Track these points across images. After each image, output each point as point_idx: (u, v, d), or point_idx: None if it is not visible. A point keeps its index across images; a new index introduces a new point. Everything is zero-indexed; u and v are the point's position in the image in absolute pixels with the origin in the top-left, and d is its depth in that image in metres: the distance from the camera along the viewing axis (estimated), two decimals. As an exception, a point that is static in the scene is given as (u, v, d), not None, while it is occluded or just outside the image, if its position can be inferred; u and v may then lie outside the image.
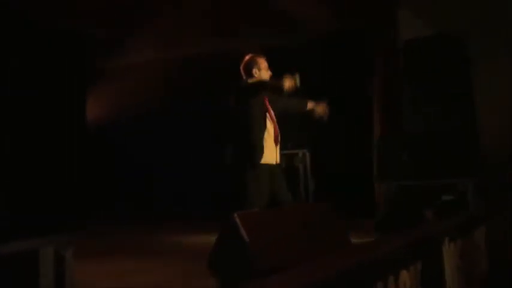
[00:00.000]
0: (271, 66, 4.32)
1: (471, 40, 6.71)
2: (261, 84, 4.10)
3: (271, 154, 4.07)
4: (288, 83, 3.97)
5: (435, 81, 6.59)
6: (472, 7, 7.13)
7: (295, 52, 7.59)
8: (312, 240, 3.06)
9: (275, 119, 4.19)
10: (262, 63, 4.24)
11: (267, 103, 4.20)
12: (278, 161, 4.15)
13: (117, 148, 9.00)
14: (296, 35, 7.52)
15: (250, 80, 4.17)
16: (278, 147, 4.15)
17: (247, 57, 4.26)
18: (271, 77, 4.23)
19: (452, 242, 4.23)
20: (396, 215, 5.92)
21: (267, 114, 4.14)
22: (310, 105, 4.36)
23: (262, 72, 4.20)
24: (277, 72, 4.37)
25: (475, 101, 6.62)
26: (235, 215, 2.76)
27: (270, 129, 4.12)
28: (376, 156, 6.98)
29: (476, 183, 6.18)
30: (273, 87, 4.08)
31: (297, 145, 7.81)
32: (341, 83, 7.75)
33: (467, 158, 6.29)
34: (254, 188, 3.89)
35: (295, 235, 3.00)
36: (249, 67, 4.21)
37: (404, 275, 3.08)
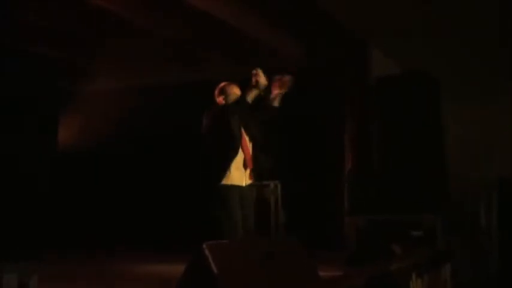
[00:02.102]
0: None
1: (442, 79, 6.88)
2: (233, 106, 4.28)
3: (239, 176, 4.25)
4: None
5: (405, 119, 6.71)
6: (442, 50, 7.34)
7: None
8: (281, 274, 3.05)
9: (248, 143, 4.36)
10: (231, 90, 4.42)
11: (242, 127, 4.35)
12: (248, 182, 4.32)
13: (85, 175, 8.91)
14: (266, 68, 7.61)
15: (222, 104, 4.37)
16: (248, 170, 4.32)
17: (221, 84, 4.45)
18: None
19: (420, 277, 4.28)
20: (365, 249, 5.95)
21: (241, 138, 4.31)
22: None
23: (231, 98, 4.37)
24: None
25: (444, 139, 6.76)
26: (204, 245, 2.75)
27: (241, 153, 4.28)
28: (346, 191, 7.04)
29: (444, 220, 6.27)
30: (246, 106, 4.23)
31: (269, 176, 7.83)
32: (313, 118, 7.84)
33: (435, 195, 6.40)
34: (223, 208, 4.12)
35: (265, 267, 2.99)
36: (219, 95, 4.42)
37: (371, 309, 3.09)
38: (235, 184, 4.21)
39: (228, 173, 4.18)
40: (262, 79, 4.25)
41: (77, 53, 7.93)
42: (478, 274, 6.78)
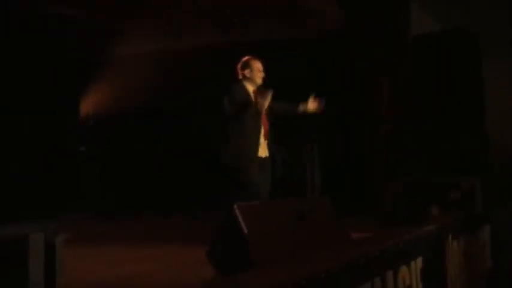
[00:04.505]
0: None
1: (482, 37, 6.63)
2: (247, 104, 4.59)
3: (262, 149, 4.62)
4: (263, 101, 4.52)
5: (445, 77, 6.52)
6: (483, 4, 7.05)
7: (305, 45, 7.55)
8: (311, 234, 3.05)
9: (265, 116, 4.68)
10: (255, 64, 4.73)
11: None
12: (267, 154, 4.67)
13: (116, 137, 9.06)
14: (305, 28, 7.48)
15: (240, 92, 4.64)
16: (266, 142, 4.68)
17: (244, 59, 4.78)
18: (264, 79, 4.73)
19: (456, 239, 4.22)
20: (402, 210, 5.89)
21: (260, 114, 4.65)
22: (301, 107, 4.78)
23: (254, 73, 4.70)
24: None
25: (484, 98, 6.55)
26: (235, 206, 2.77)
27: (261, 127, 4.64)
28: (383, 152, 6.95)
29: (484, 181, 6.13)
30: (255, 105, 4.59)
31: (305, 138, 7.78)
32: (350, 77, 7.70)
33: (475, 156, 6.25)
34: (254, 179, 4.44)
35: (294, 228, 2.99)
36: (243, 68, 4.75)
37: (403, 271, 3.07)
38: (260, 156, 4.58)
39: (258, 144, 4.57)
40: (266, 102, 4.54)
41: (111, 13, 7.92)
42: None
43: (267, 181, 4.59)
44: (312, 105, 4.76)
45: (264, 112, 4.61)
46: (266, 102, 4.50)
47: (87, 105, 8.80)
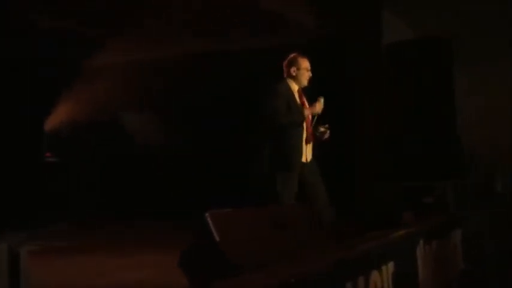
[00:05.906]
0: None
1: (454, 42, 6.75)
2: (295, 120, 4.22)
3: (306, 153, 4.29)
4: (317, 108, 4.21)
5: (417, 84, 6.63)
6: (455, 10, 7.17)
7: (278, 54, 7.60)
8: (285, 240, 3.08)
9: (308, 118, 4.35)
10: (303, 63, 4.34)
11: (304, 103, 4.35)
12: (310, 158, 4.32)
13: (96, 147, 9.03)
14: (279, 36, 7.53)
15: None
16: (310, 145, 4.34)
17: (290, 56, 4.38)
18: (310, 80, 4.38)
19: (428, 244, 4.28)
20: (376, 215, 5.97)
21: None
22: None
23: (301, 72, 4.31)
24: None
25: (456, 103, 6.67)
26: (207, 214, 2.78)
27: (303, 132, 4.28)
28: (359, 158, 7.03)
29: (456, 186, 6.24)
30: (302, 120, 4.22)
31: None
32: (325, 85, 7.75)
33: (447, 161, 6.35)
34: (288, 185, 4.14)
35: (268, 235, 3.02)
36: (290, 65, 4.34)
37: (375, 276, 3.11)
38: (303, 161, 4.24)
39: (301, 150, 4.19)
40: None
41: (88, 23, 7.89)
42: (493, 240, 6.76)
43: (320, 182, 4.32)
44: (318, 107, 4.29)
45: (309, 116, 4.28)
46: (319, 108, 4.21)
47: (61, 116, 8.74)
